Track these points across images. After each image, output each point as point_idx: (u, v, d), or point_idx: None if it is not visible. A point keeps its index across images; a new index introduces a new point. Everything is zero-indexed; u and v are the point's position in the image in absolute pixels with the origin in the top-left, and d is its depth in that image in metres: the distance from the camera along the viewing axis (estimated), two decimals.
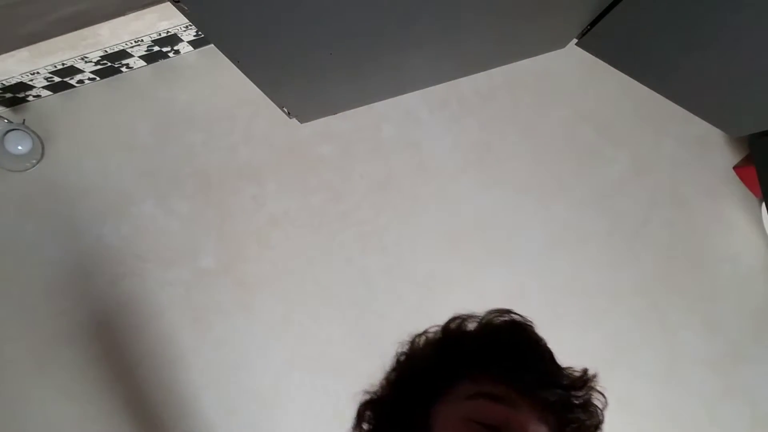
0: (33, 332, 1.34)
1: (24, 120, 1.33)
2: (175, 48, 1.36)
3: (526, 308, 1.51)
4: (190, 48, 1.38)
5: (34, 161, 1.34)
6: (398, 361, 0.61)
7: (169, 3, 0.61)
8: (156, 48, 1.32)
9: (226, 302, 1.36)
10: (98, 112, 1.39)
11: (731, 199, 1.41)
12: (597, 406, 0.60)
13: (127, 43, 1.25)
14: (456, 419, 0.52)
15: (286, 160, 1.39)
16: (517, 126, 1.42)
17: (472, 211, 1.40)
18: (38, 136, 1.33)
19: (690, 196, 1.41)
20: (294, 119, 0.87)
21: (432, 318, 0.64)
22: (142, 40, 1.26)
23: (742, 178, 1.38)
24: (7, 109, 1.37)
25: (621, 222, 1.41)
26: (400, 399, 0.58)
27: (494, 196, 1.40)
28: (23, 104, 1.38)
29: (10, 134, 1.28)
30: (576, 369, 0.61)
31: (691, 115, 0.82)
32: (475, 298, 1.39)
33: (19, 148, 1.29)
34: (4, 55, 1.18)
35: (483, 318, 0.62)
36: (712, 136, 1.42)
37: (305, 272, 1.37)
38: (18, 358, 1.33)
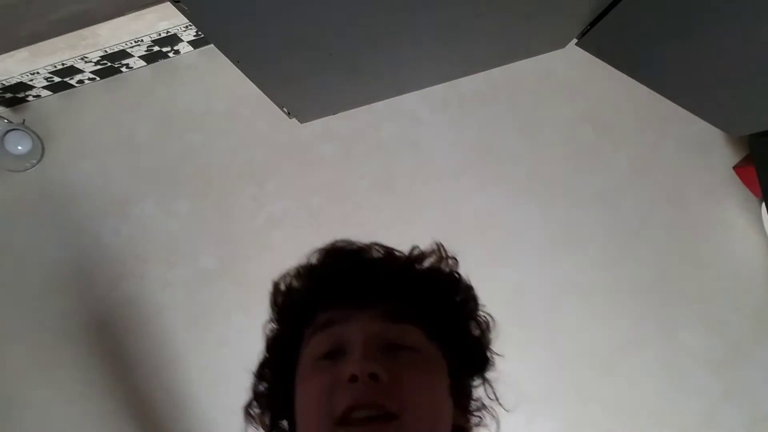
0: (33, 332, 1.34)
1: (24, 120, 1.33)
2: (175, 48, 1.36)
3: (526, 308, 1.52)
4: (190, 48, 1.38)
5: (34, 161, 1.34)
6: (265, 338, 0.62)
7: (169, 3, 0.61)
8: (156, 48, 1.32)
9: (226, 302, 1.36)
10: (98, 112, 1.39)
11: (731, 199, 1.41)
12: (440, 270, 0.59)
13: (127, 43, 1.25)
14: (306, 368, 0.52)
15: (286, 160, 1.39)
16: (517, 126, 1.42)
17: (472, 211, 1.40)
18: (38, 136, 1.33)
19: (690, 196, 1.41)
20: (294, 119, 0.87)
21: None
22: (142, 40, 1.26)
23: (742, 178, 1.38)
24: (7, 109, 1.37)
25: (621, 222, 1.41)
26: (275, 382, 0.59)
27: (494, 196, 1.40)
28: (23, 104, 1.38)
29: (10, 134, 1.28)
30: (410, 249, 0.60)
31: (691, 115, 0.82)
32: None
33: (19, 148, 1.29)
34: (4, 55, 1.18)
35: (303, 263, 0.61)
36: (712, 136, 1.42)
37: None
38: (18, 358, 1.33)
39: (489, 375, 0.60)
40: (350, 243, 0.60)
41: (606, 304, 1.38)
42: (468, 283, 0.61)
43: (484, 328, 0.61)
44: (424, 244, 0.60)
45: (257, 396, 0.60)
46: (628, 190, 1.41)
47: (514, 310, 1.38)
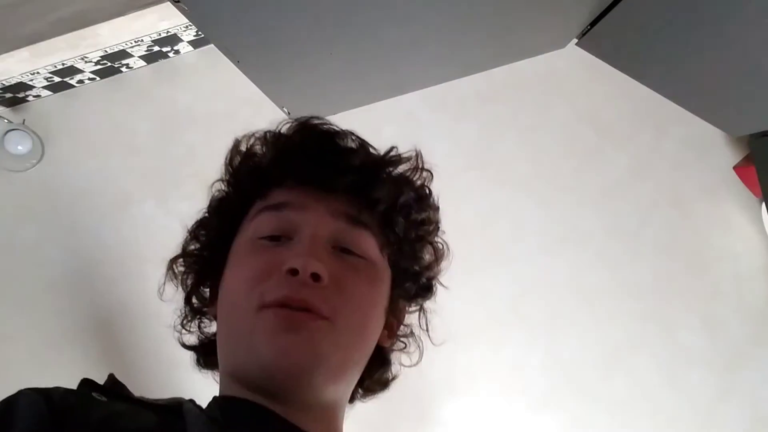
0: (33, 332, 1.34)
1: (24, 120, 1.33)
2: (175, 48, 1.36)
3: (526, 308, 1.51)
4: (190, 48, 1.38)
5: (34, 161, 1.34)
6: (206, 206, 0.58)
7: (169, 3, 0.61)
8: (156, 48, 1.32)
9: None
10: (98, 112, 1.39)
11: (731, 199, 1.41)
12: (408, 179, 0.55)
13: (127, 43, 1.25)
14: (244, 243, 0.49)
15: None
16: (517, 126, 1.42)
17: (472, 211, 1.40)
18: (38, 136, 1.33)
19: (690, 196, 1.41)
20: (293, 119, 0.87)
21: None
22: (142, 40, 1.25)
23: (742, 178, 1.38)
24: (7, 109, 1.37)
25: (621, 222, 1.40)
26: (208, 244, 0.56)
27: (494, 196, 1.40)
28: (23, 104, 1.38)
29: (10, 134, 1.28)
30: (388, 149, 0.55)
31: (691, 115, 0.82)
32: (475, 298, 1.39)
33: (19, 148, 1.29)
34: (4, 55, 1.18)
35: (266, 131, 0.56)
36: (712, 136, 1.42)
37: None
38: (18, 358, 1.33)
39: (427, 304, 0.58)
40: (327, 123, 0.55)
41: (606, 304, 1.38)
42: (436, 203, 0.58)
43: (438, 256, 0.58)
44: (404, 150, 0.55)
45: (185, 254, 0.58)
46: (628, 190, 1.41)
47: (514, 310, 1.38)
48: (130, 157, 1.38)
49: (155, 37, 1.26)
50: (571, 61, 1.39)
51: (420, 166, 0.56)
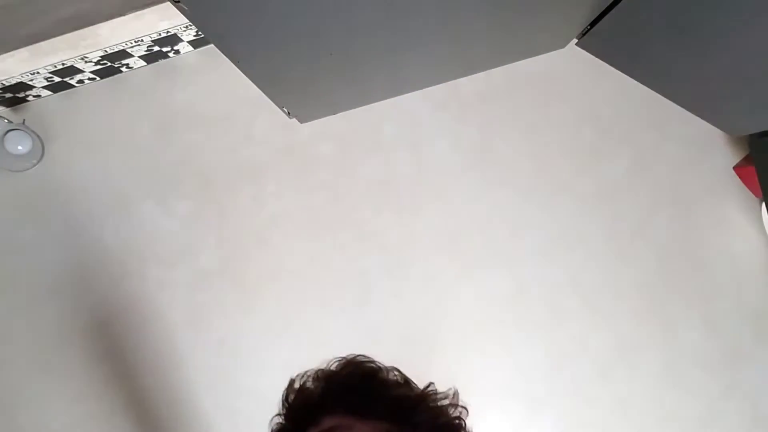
0: (33, 332, 1.34)
1: (24, 120, 1.33)
2: (175, 48, 1.36)
3: (526, 308, 1.51)
4: (190, 48, 1.38)
5: (34, 161, 1.34)
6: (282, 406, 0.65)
7: (169, 3, 0.61)
8: (156, 48, 1.32)
9: (226, 302, 1.36)
10: (98, 112, 1.39)
11: (731, 199, 1.41)
12: (447, 412, 0.61)
13: (127, 43, 1.25)
14: None
15: (286, 160, 1.39)
16: (517, 126, 1.42)
17: (472, 211, 1.40)
18: (38, 136, 1.33)
19: (690, 196, 1.41)
20: (294, 119, 0.87)
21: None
22: (142, 40, 1.26)
23: (742, 178, 1.38)
24: (7, 109, 1.37)
25: (621, 222, 1.41)
26: None
27: (494, 196, 1.40)
28: (23, 104, 1.38)
29: (10, 134, 1.28)
30: (427, 384, 0.64)
31: (691, 115, 0.82)
32: (475, 298, 1.39)
33: (19, 148, 1.29)
34: (4, 55, 1.18)
35: (318, 369, 0.65)
36: (712, 136, 1.42)
37: (305, 272, 1.37)
38: (18, 358, 1.33)
39: None
40: (371, 360, 0.64)
41: (606, 304, 1.38)
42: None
43: None
44: (443, 386, 0.64)
45: None
46: (629, 190, 1.41)
47: (514, 309, 1.38)
48: (130, 157, 1.39)
49: (155, 37, 1.26)
50: (571, 61, 1.39)
51: (457, 403, 0.64)
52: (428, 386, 0.63)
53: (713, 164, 1.42)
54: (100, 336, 1.35)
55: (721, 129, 0.86)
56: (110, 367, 1.34)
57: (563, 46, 0.87)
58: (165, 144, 1.39)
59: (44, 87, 1.33)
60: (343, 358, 0.64)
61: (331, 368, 0.63)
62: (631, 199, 1.41)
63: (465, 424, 0.63)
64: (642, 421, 1.36)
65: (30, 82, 1.28)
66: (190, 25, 1.26)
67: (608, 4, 0.70)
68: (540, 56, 0.92)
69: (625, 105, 1.42)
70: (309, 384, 0.63)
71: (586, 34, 0.79)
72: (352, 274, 1.37)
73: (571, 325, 1.38)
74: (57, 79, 1.31)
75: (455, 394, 0.64)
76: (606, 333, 1.38)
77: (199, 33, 1.32)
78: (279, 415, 0.64)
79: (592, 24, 0.76)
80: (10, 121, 1.31)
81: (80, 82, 1.36)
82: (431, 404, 0.61)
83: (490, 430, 1.36)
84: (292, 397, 0.64)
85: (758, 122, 0.78)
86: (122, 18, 1.18)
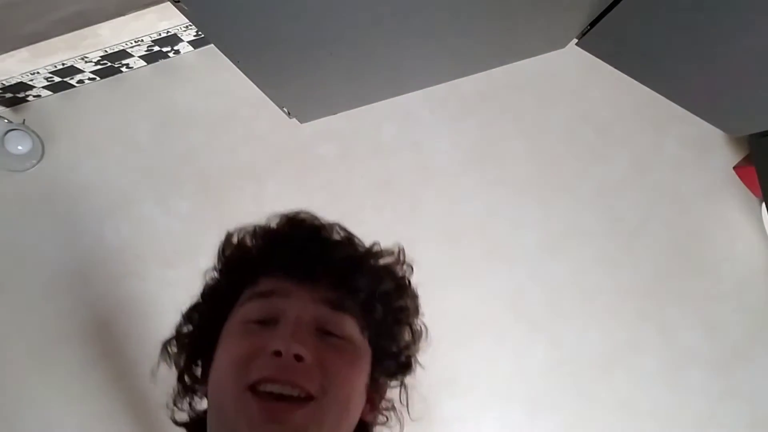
0: (33, 332, 1.34)
1: (24, 120, 1.33)
2: (175, 48, 1.36)
3: (526, 308, 1.51)
4: (190, 48, 1.38)
5: (34, 161, 1.34)
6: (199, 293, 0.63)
7: (169, 3, 0.61)
8: (156, 48, 1.32)
9: None
10: (98, 112, 1.39)
11: (731, 199, 1.41)
12: (389, 270, 0.59)
13: (127, 43, 1.25)
14: (232, 326, 0.53)
15: (286, 160, 1.39)
16: (517, 126, 1.42)
17: (472, 211, 1.40)
18: (38, 136, 1.33)
19: (690, 196, 1.41)
20: (294, 119, 0.87)
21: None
22: (142, 40, 1.26)
23: (742, 178, 1.38)
24: (7, 109, 1.37)
25: (621, 222, 1.41)
26: (200, 327, 0.60)
27: (494, 196, 1.40)
28: (23, 104, 1.38)
29: (10, 134, 1.28)
30: (371, 244, 0.61)
31: (691, 115, 0.82)
32: (475, 298, 1.39)
33: (19, 148, 1.29)
34: (4, 55, 1.18)
35: (256, 226, 0.61)
36: (712, 136, 1.42)
37: None
38: (18, 358, 1.33)
39: (407, 380, 0.62)
40: (314, 217, 0.60)
41: (606, 304, 1.38)
42: (415, 292, 0.62)
43: (417, 337, 0.62)
44: (387, 243, 0.61)
45: (179, 336, 0.62)
46: (628, 190, 1.41)
47: (514, 309, 1.38)
48: (130, 157, 1.38)
49: (155, 37, 1.26)
50: (571, 61, 1.39)
51: (402, 260, 0.61)
52: (373, 245, 0.60)
53: (713, 164, 1.42)
54: (100, 336, 1.34)
55: (721, 129, 0.86)
56: (110, 367, 1.34)
57: (563, 46, 0.87)
58: (165, 144, 1.39)
59: (44, 87, 1.33)
60: (284, 214, 0.60)
61: (271, 225, 0.60)
62: (631, 199, 1.41)
63: (409, 281, 0.61)
64: (642, 422, 1.36)
65: (30, 82, 1.28)
66: (190, 25, 1.26)
67: (608, 4, 0.70)
68: (540, 56, 0.92)
69: (625, 105, 1.42)
70: (247, 241, 0.60)
71: (586, 34, 0.79)
72: None
73: (571, 325, 1.38)
74: (57, 79, 1.31)
75: (400, 251, 0.61)
76: (606, 333, 1.38)
77: (199, 33, 1.32)
78: (214, 269, 0.62)
79: (592, 24, 0.76)
80: (10, 121, 1.31)
81: (80, 82, 1.36)
82: (374, 265, 0.59)
83: (490, 429, 1.36)
84: (229, 252, 0.61)
85: (758, 122, 0.78)
86: (122, 18, 1.18)
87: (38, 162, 1.35)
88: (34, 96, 1.36)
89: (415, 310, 0.61)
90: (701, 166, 1.42)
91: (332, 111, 0.98)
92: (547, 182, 1.41)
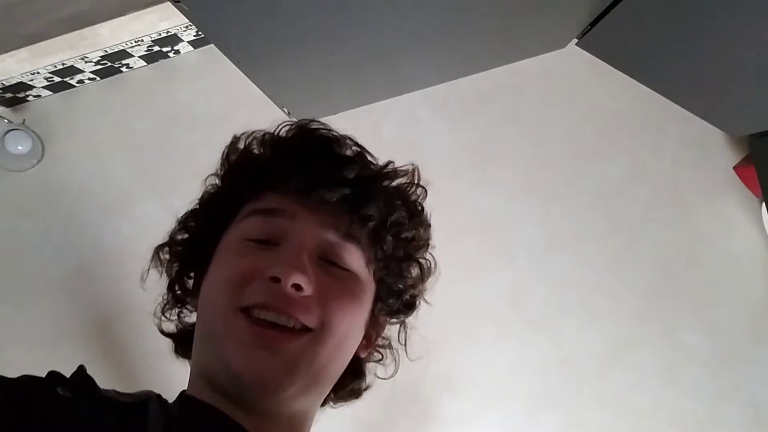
0: (33, 332, 1.34)
1: (24, 120, 1.33)
2: (175, 48, 1.36)
3: (526, 308, 1.51)
4: (190, 48, 1.38)
5: (34, 161, 1.34)
6: (198, 199, 0.59)
7: (169, 3, 0.61)
8: (156, 48, 1.32)
9: None
10: (98, 112, 1.39)
11: (731, 199, 1.41)
12: (403, 195, 0.55)
13: (127, 43, 1.25)
14: (230, 242, 0.50)
15: None
16: (517, 126, 1.42)
17: (472, 211, 1.40)
18: (38, 136, 1.33)
19: (690, 196, 1.41)
20: (294, 119, 0.87)
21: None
22: (142, 40, 1.25)
23: (742, 178, 1.38)
24: (7, 109, 1.37)
25: (621, 222, 1.40)
26: (196, 236, 0.56)
27: (494, 196, 1.40)
28: (23, 104, 1.38)
29: (10, 134, 1.28)
30: (385, 163, 0.56)
31: (691, 115, 0.82)
32: (474, 298, 1.39)
33: (19, 148, 1.29)
34: (4, 55, 1.18)
35: (265, 133, 0.57)
36: (712, 136, 1.42)
37: None
38: (18, 358, 1.33)
39: (408, 320, 0.58)
40: (327, 129, 0.55)
41: (606, 304, 1.38)
42: (428, 220, 0.58)
43: (425, 274, 0.58)
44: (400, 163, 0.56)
45: (172, 242, 0.58)
46: (628, 190, 1.41)
47: (514, 310, 1.38)
48: (130, 157, 1.38)
49: (155, 37, 1.26)
50: (571, 61, 1.39)
51: (415, 182, 0.57)
52: (386, 165, 0.55)
53: (713, 164, 1.42)
54: (100, 336, 1.34)
55: (721, 129, 0.86)
56: (110, 367, 1.34)
57: (563, 46, 0.87)
58: (165, 144, 1.39)
59: (44, 87, 1.33)
60: (294, 121, 0.55)
61: (281, 134, 0.55)
62: (631, 199, 1.41)
63: (423, 207, 0.57)
64: (642, 421, 1.36)
65: (30, 82, 1.28)
66: (190, 25, 1.26)
67: (608, 4, 0.70)
68: (540, 56, 0.92)
69: (625, 105, 1.42)
70: (254, 148, 0.55)
71: (586, 34, 0.79)
72: None
73: (571, 325, 1.38)
74: (57, 79, 1.30)
75: (414, 171, 0.57)
76: (606, 333, 1.38)
77: (199, 33, 1.32)
78: (215, 175, 0.57)
79: (592, 24, 0.76)
80: (10, 121, 1.31)
81: (80, 82, 1.36)
82: (387, 188, 0.54)
83: (490, 428, 1.36)
84: (233, 158, 0.56)
85: (758, 122, 0.78)
86: (122, 18, 1.18)
87: (38, 162, 1.35)
88: (34, 96, 1.36)
89: (426, 243, 0.57)
90: (701, 166, 1.42)
91: (332, 111, 0.98)
92: (547, 182, 1.41)
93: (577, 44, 0.83)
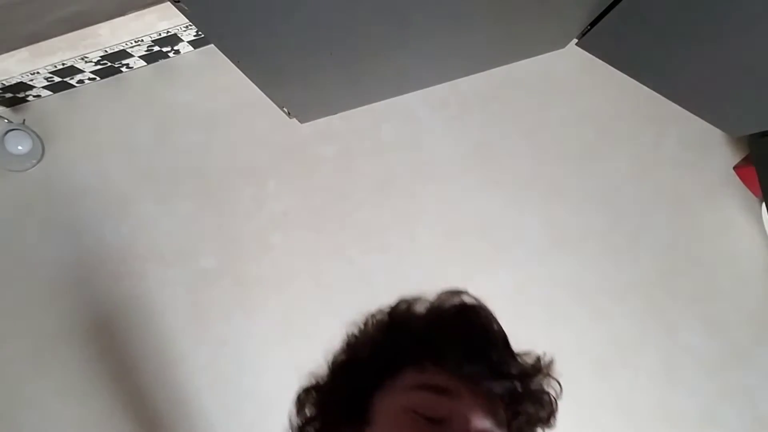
0: (33, 332, 1.34)
1: (24, 120, 1.33)
2: (175, 48, 1.36)
3: (526, 308, 1.51)
4: (190, 48, 1.38)
5: (34, 161, 1.34)
6: (345, 345, 0.60)
7: (169, 3, 0.61)
8: (156, 48, 1.32)
9: (226, 302, 1.36)
10: (98, 112, 1.39)
11: (731, 199, 1.41)
12: (549, 395, 0.59)
13: (127, 43, 1.25)
14: (398, 409, 0.51)
15: (286, 160, 1.39)
16: (517, 126, 1.42)
17: (472, 211, 1.40)
18: (38, 136, 1.33)
19: (690, 196, 1.41)
20: (294, 119, 0.88)
21: None
22: (142, 40, 1.26)
23: (742, 178, 1.38)
24: (7, 109, 1.37)
25: (621, 222, 1.40)
26: (341, 385, 0.57)
27: (494, 196, 1.40)
28: (23, 104, 1.38)
29: (10, 134, 1.28)
30: (530, 355, 0.60)
31: (691, 115, 0.82)
32: None
33: (19, 148, 1.29)
34: (4, 55, 1.18)
35: (432, 301, 0.59)
36: (712, 136, 1.42)
37: (305, 272, 1.37)
38: (18, 358, 1.33)
39: None
40: (485, 311, 0.59)
41: (606, 304, 1.38)
42: (557, 414, 0.62)
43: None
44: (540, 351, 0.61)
45: (319, 390, 0.58)
46: (628, 190, 1.41)
47: (514, 310, 1.38)
48: (130, 157, 1.38)
49: (155, 37, 1.26)
50: (571, 61, 1.39)
51: (552, 375, 0.61)
52: (537, 361, 0.60)
53: (713, 164, 1.42)
54: (100, 336, 1.34)
55: (721, 129, 0.86)
56: (110, 367, 1.34)
57: (563, 46, 0.87)
58: (165, 144, 1.39)
59: (44, 87, 1.33)
60: (457, 300, 0.57)
61: (444, 307, 0.57)
62: (631, 199, 1.41)
63: (557, 404, 0.60)
64: (642, 421, 1.36)
65: (30, 82, 1.28)
66: (190, 25, 1.26)
67: (608, 4, 0.70)
68: (540, 56, 0.92)
69: (625, 105, 1.42)
70: (417, 312, 0.57)
71: (586, 34, 0.79)
72: (352, 274, 1.37)
73: (571, 325, 1.38)
74: (57, 79, 1.31)
75: (550, 364, 0.60)
76: (606, 333, 1.38)
77: (199, 33, 1.32)
78: (367, 325, 0.59)
79: (592, 24, 0.76)
80: (10, 121, 1.31)
81: (80, 82, 1.36)
82: (539, 390, 0.57)
83: None
84: (397, 316, 0.57)
85: (758, 122, 0.78)
86: (122, 18, 1.19)
87: (38, 162, 1.35)
88: (34, 96, 1.36)
89: (554, 419, 0.62)
90: (701, 166, 1.42)
91: (332, 111, 0.98)
92: (547, 182, 1.41)
93: (577, 44, 0.84)
